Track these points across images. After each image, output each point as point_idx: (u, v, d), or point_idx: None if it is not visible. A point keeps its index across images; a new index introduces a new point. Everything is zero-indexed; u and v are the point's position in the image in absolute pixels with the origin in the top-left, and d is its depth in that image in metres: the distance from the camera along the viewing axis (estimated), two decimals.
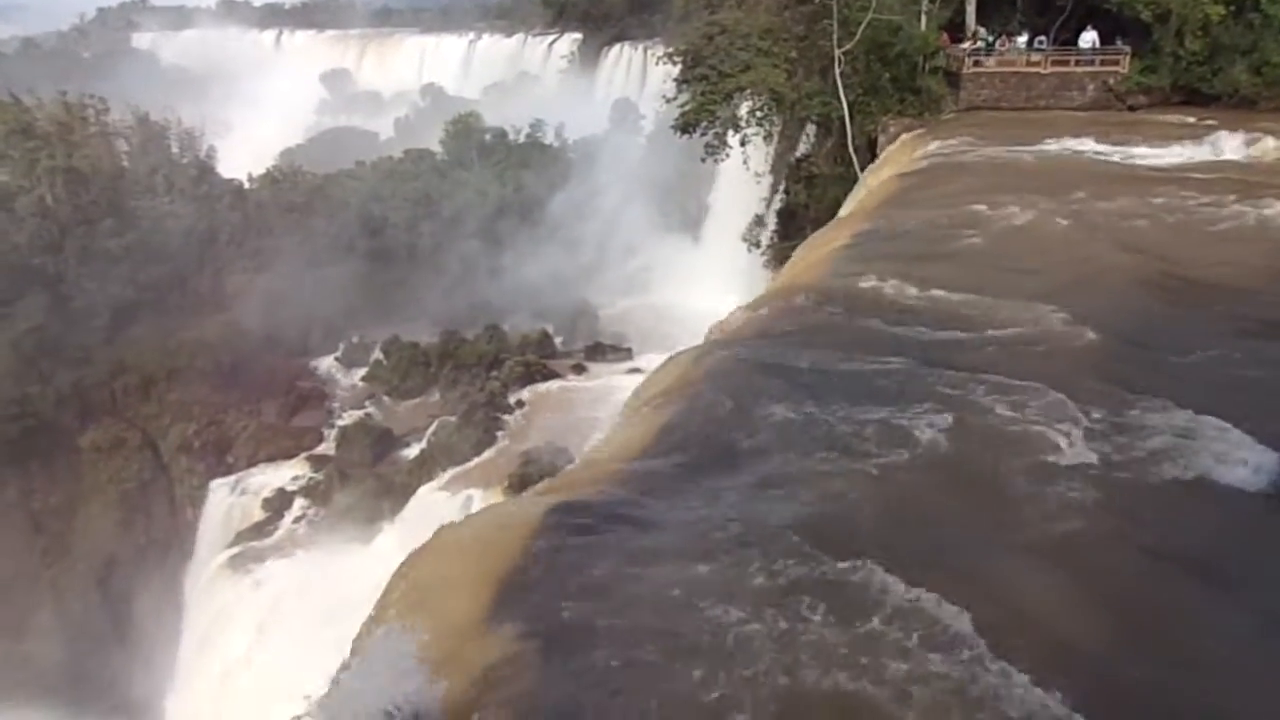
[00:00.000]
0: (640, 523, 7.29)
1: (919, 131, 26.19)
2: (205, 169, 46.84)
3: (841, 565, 6.19)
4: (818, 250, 16.57)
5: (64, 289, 39.35)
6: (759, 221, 36.86)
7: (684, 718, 5.01)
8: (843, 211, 22.98)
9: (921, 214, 16.76)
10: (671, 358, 12.02)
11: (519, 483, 24.43)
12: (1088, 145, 21.57)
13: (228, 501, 34.20)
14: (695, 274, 44.02)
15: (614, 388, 32.10)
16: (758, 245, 36.43)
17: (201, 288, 42.81)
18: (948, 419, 8.49)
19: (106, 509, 36.74)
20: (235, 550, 31.69)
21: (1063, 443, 8.04)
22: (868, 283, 12.80)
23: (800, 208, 33.78)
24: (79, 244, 40.42)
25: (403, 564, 7.22)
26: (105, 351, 38.72)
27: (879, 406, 8.81)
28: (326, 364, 41.93)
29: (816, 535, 6.72)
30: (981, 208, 16.34)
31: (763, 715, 5.00)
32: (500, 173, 50.45)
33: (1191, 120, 23.87)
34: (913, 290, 12.41)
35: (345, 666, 6.28)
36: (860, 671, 5.30)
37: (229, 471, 35.89)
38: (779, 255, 30.70)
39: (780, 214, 35.82)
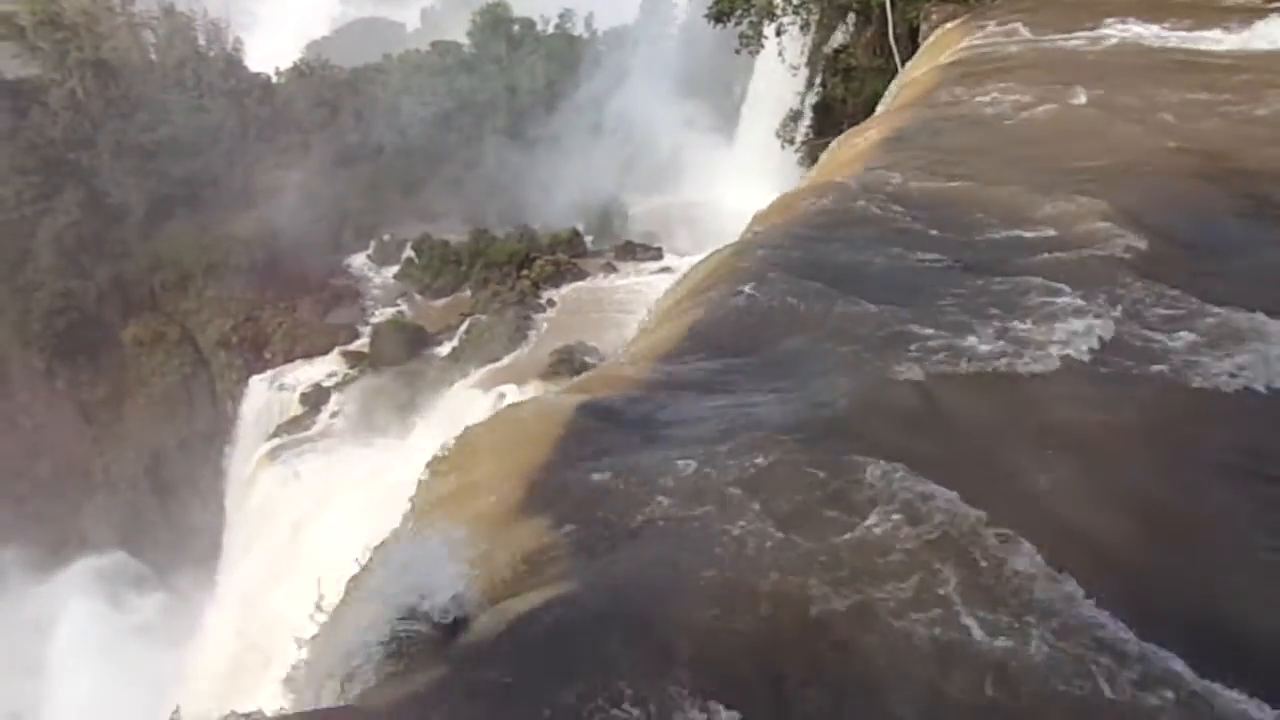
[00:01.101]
0: (669, 421, 7.32)
1: (964, 18, 24.90)
2: (233, 62, 46.21)
3: (869, 465, 6.17)
4: (855, 145, 16.06)
5: (99, 184, 39.60)
6: (794, 117, 35.83)
7: (710, 610, 5.12)
8: (881, 105, 22.17)
9: (965, 107, 16.11)
10: (703, 257, 11.86)
11: (550, 380, 24.66)
12: (1147, 30, 20.36)
13: (266, 396, 35.05)
14: (727, 171, 43.16)
15: (644, 287, 32.00)
16: (792, 142, 35.52)
17: (233, 184, 42.85)
18: (983, 319, 8.33)
19: (151, 402, 37.89)
20: (275, 443, 32.64)
21: (1100, 343, 7.86)
22: (906, 179, 12.41)
23: (837, 102, 32.73)
24: (112, 139, 40.44)
25: (437, 458, 7.35)
26: (143, 247, 39.20)
27: (913, 306, 8.65)
28: (359, 261, 42.15)
29: (846, 435, 6.71)
30: (1029, 99, 15.64)
31: (779, 608, 5.09)
32: (529, 66, 49.23)
33: (1259, 1, 22.40)
34: (953, 186, 12.02)
35: (380, 554, 6.46)
36: (875, 570, 5.35)
37: (266, 367, 36.64)
38: (814, 152, 29.89)
39: (816, 109, 34.77)
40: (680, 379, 8.10)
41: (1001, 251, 10.11)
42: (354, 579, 6.40)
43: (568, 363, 27.60)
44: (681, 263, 26.60)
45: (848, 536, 5.58)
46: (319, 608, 6.35)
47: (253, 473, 32.47)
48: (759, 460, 6.44)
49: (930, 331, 8.19)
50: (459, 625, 5.50)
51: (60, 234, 37.62)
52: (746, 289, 9.46)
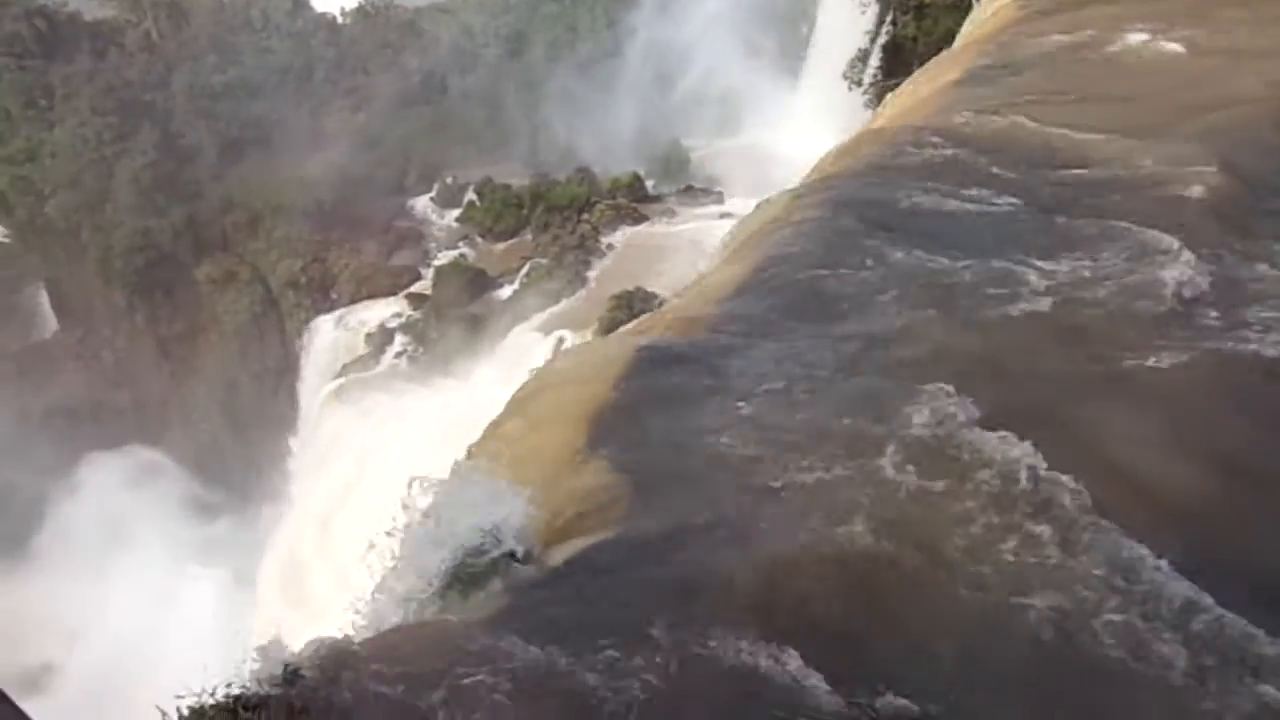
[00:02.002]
0: (728, 365, 7.33)
1: None
2: (298, 2, 46.44)
3: (933, 414, 6.11)
4: (926, 86, 15.55)
5: (173, 125, 40.44)
6: (862, 57, 34.72)
7: (771, 554, 5.17)
8: (956, 43, 21.34)
9: (1044, 45, 15.42)
10: (766, 200, 11.71)
11: (609, 324, 24.75)
12: None
13: (332, 335, 35.86)
14: (792, 114, 42.16)
15: (704, 231, 31.69)
16: (859, 84, 34.47)
17: (300, 125, 43.33)
18: (1055, 266, 8.10)
19: (224, 338, 39.12)
20: (341, 381, 33.48)
21: (1178, 291, 7.59)
22: (978, 120, 12.01)
23: (908, 41, 31.61)
24: (185, 81, 41.16)
25: (508, 401, 7.49)
26: (214, 187, 40.07)
27: (983, 251, 8.44)
28: (422, 204, 42.46)
29: (908, 381, 6.63)
30: (1113, 37, 14.91)
31: (841, 554, 5.11)
32: (590, 6, 48.46)
33: None
34: (1028, 128, 11.60)
35: (445, 491, 6.64)
36: (937, 519, 5.33)
37: (333, 307, 37.42)
38: (882, 94, 28.97)
39: (886, 49, 33.60)
40: (740, 322, 8.08)
41: (1078, 195, 9.77)
42: (420, 512, 6.62)
43: (626, 307, 27.61)
44: (742, 207, 26.24)
45: (909, 484, 5.56)
46: (386, 536, 6.58)
47: (320, 409, 33.48)
48: (819, 405, 6.44)
49: (1000, 277, 8.01)
50: (520, 558, 5.67)
51: (137, 174, 38.69)
52: (809, 233, 9.34)
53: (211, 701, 4.01)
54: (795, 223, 9.68)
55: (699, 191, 40.03)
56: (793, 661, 4.41)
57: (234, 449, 38.66)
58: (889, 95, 17.39)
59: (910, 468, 5.64)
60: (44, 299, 44.51)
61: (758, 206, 11.62)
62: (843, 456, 5.83)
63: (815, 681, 4.32)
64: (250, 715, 3.97)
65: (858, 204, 9.90)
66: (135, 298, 39.64)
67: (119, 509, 34.09)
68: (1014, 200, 9.72)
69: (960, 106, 12.90)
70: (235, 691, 4.06)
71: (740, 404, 6.50)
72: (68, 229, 39.53)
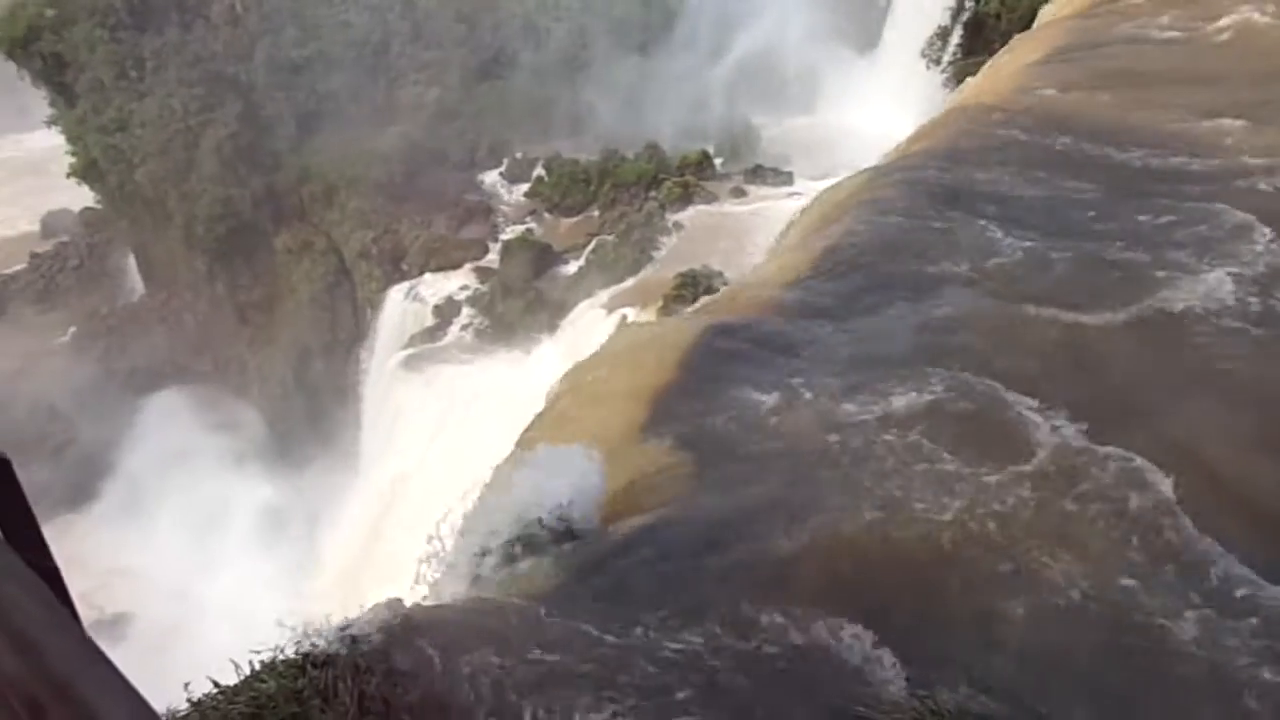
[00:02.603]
0: (793, 347, 7.24)
1: None
2: None
3: (1008, 407, 5.95)
4: (1008, 64, 15.04)
5: (255, 97, 41.43)
6: (942, 35, 33.74)
7: (832, 540, 5.11)
8: (1040, 20, 20.58)
9: (1134, 23, 14.76)
10: (838, 181, 11.50)
11: (673, 304, 24.69)
12: None
13: (402, 306, 36.52)
14: (867, 93, 41.27)
15: (772, 211, 31.31)
16: (938, 62, 33.54)
17: (375, 99, 44.00)
18: (1140, 255, 7.79)
19: (299, 306, 40.17)
20: (409, 351, 34.13)
21: (1265, 283, 7.23)
22: (1064, 100, 11.57)
23: (991, 18, 30.60)
24: (266, 53, 42.09)
25: (566, 374, 7.53)
26: (293, 159, 41.00)
27: (1066, 239, 8.15)
28: (491, 178, 42.82)
29: (980, 370, 6.46)
30: (1208, 14, 14.20)
31: (902, 541, 5.02)
32: None
33: None
34: (1114, 110, 11.14)
35: (509, 464, 6.73)
36: (1005, 511, 5.19)
37: (403, 278, 38.07)
38: (962, 73, 28.12)
39: (968, 25, 32.60)
40: (808, 304, 7.96)
41: (1166, 180, 9.37)
42: (481, 484, 6.71)
43: (691, 286, 27.48)
44: (813, 187, 25.82)
45: (982, 477, 5.43)
46: (447, 505, 6.70)
47: (388, 378, 34.22)
48: (886, 392, 6.31)
49: (1077, 264, 7.73)
50: (581, 534, 5.71)
51: (220, 144, 39.80)
52: (881, 215, 9.14)
53: (282, 657, 4.15)
54: (869, 204, 9.48)
55: (768, 171, 39.52)
56: (860, 645, 4.36)
57: (305, 415, 39.82)
58: (978, 74, 16.85)
59: (985, 461, 5.50)
60: (132, 263, 46.36)
61: (830, 187, 11.42)
62: (912, 446, 5.71)
63: (883, 667, 4.26)
64: (317, 673, 4.09)
65: (935, 186, 9.64)
66: (216, 265, 40.99)
67: (196, 467, 35.49)
68: (1098, 185, 9.36)
69: (1043, 86, 12.44)
70: (304, 649, 4.19)
71: (807, 387, 6.41)
72: (155, 197, 40.96)
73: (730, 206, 37.19)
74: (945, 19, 34.03)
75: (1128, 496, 5.15)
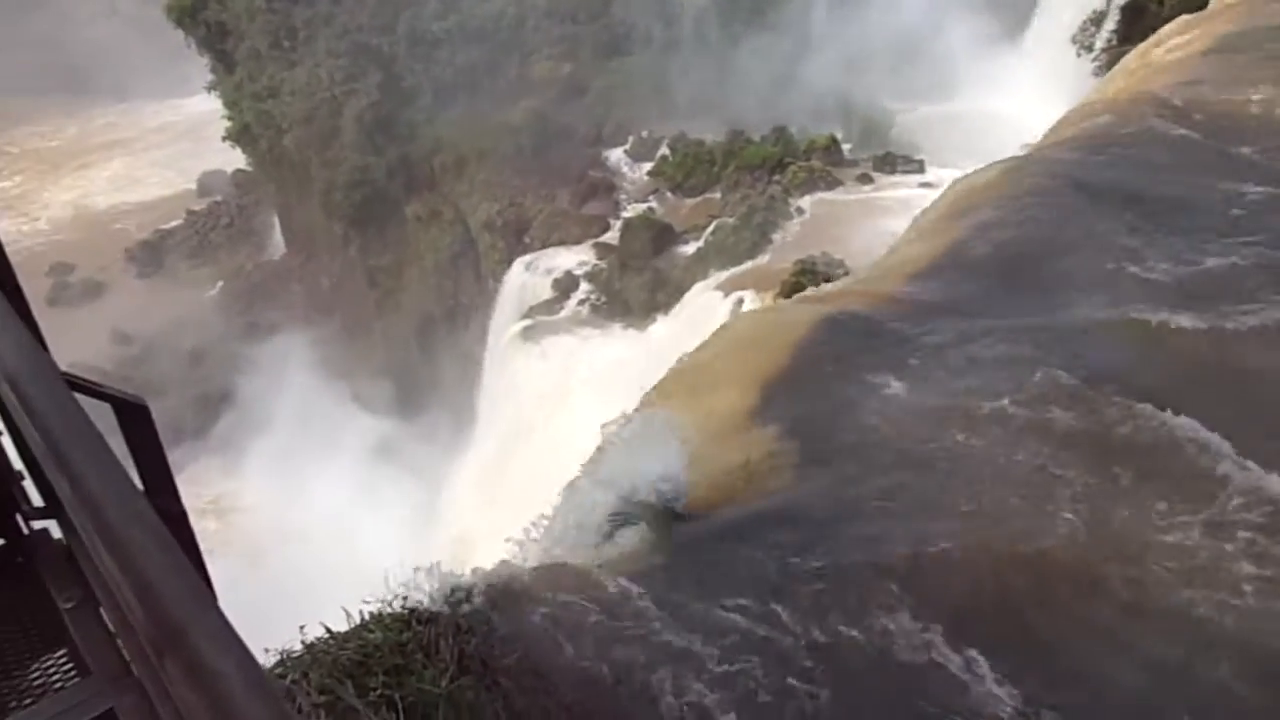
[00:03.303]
0: (916, 343, 7.00)
1: None
2: None
3: (1147, 421, 5.57)
4: (1168, 52, 14.02)
5: (396, 69, 42.98)
6: (1096, 19, 31.81)
7: (944, 538, 4.94)
8: (1210, 6, 19.08)
9: None
10: (972, 172, 11.00)
11: (791, 289, 24.32)
12: None
13: (522, 278, 37.31)
14: (1010, 79, 39.30)
15: (901, 200, 30.39)
16: (1090, 48, 31.65)
17: (509, 73, 44.90)
18: None
19: (425, 273, 41.67)
20: (526, 323, 34.89)
21: None
22: (1228, 94, 10.71)
23: (1151, 3, 28.65)
24: (409, 25, 43.55)
25: (680, 356, 7.53)
26: (427, 129, 42.38)
27: (1222, 244, 7.57)
28: (616, 156, 43.10)
29: (1114, 380, 6.09)
30: None
31: (1018, 553, 4.80)
32: None
33: None
34: None
35: (615, 439, 6.78)
36: (1158, 535, 4.87)
37: (525, 251, 38.88)
38: (1115, 61, 26.44)
39: (1125, 10, 30.64)
40: (932, 298, 7.68)
41: None
42: (589, 456, 6.80)
43: (810, 273, 26.98)
44: (945, 177, 24.87)
45: (1112, 491, 5.13)
46: (555, 475, 6.83)
47: (505, 348, 35.09)
48: (1009, 395, 6.03)
49: (1232, 273, 7.16)
50: (682, 515, 5.72)
51: (361, 114, 41.52)
52: (1018, 209, 8.71)
53: (389, 610, 4.33)
54: (1006, 197, 9.05)
55: (899, 158, 38.28)
56: (960, 656, 4.21)
57: (426, 378, 41.37)
58: (1131, 61, 15.80)
59: (1116, 474, 5.19)
60: (276, 224, 49.13)
61: (964, 177, 10.94)
62: (1029, 455, 5.45)
63: (983, 681, 4.11)
64: (421, 628, 4.25)
65: (1080, 180, 9.10)
66: (351, 230, 42.94)
67: (326, 421, 37.54)
68: (1259, 187, 8.64)
69: (1208, 78, 11.54)
70: (411, 604, 4.36)
71: (925, 385, 6.20)
72: (300, 162, 43.18)
73: (856, 194, 36.28)
74: (1101, 3, 32.06)
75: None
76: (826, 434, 5.99)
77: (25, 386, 1.34)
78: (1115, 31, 30.76)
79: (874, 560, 4.82)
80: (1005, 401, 5.85)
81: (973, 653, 4.18)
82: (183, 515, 1.81)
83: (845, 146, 39.99)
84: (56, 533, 2.45)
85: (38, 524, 2.47)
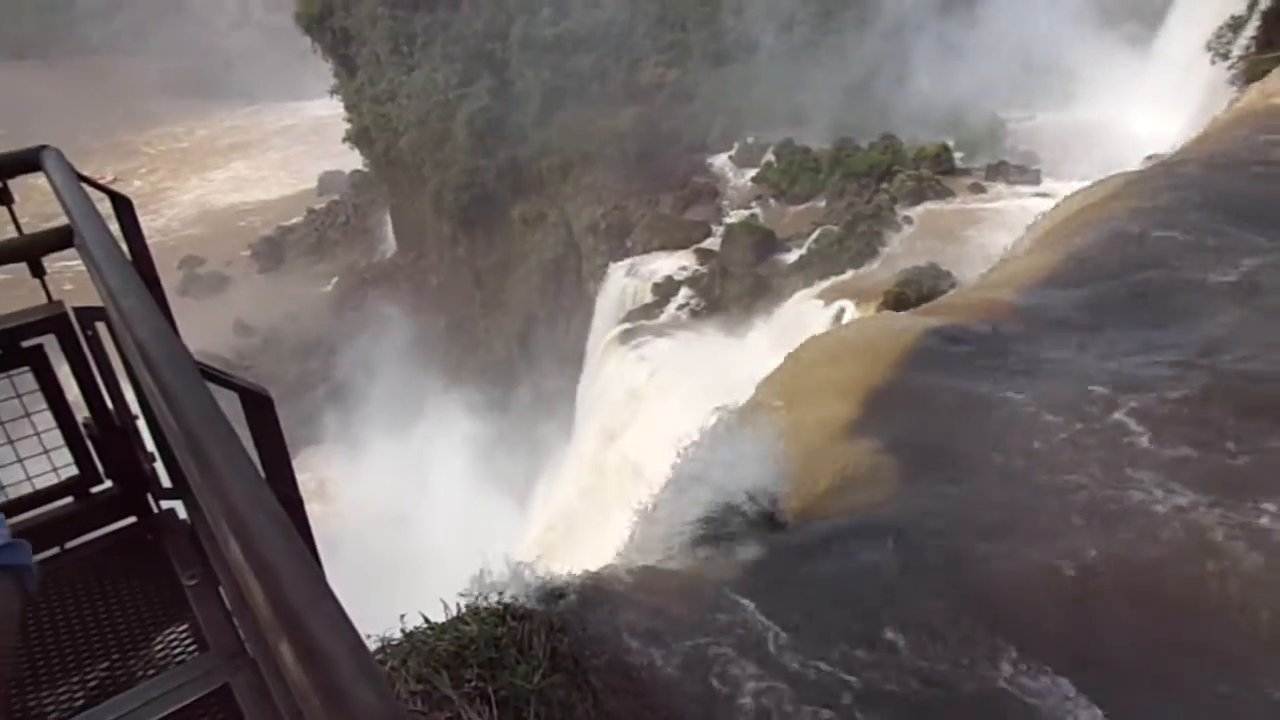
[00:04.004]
0: (1024, 360, 6.75)
1: None
2: None
3: (1255, 441, 5.23)
4: None
5: (508, 74, 44.07)
6: (1235, 25, 29.88)
7: (1039, 563, 4.75)
8: None
9: None
10: (1091, 183, 10.54)
11: (894, 301, 23.78)
12: None
13: (623, 282, 37.62)
14: (1136, 88, 37.36)
15: (1014, 212, 29.29)
16: (1225, 56, 29.77)
17: (618, 78, 45.43)
18: None
19: (529, 274, 42.54)
20: (626, 326, 35.15)
21: None
22: None
23: None
24: (521, 31, 44.59)
25: (780, 364, 7.46)
26: (536, 134, 43.29)
27: None
28: (720, 161, 43.06)
29: (1235, 404, 5.73)
30: None
31: (1128, 584, 4.57)
32: None
33: None
34: None
35: (712, 445, 6.77)
36: (1253, 565, 4.57)
37: (626, 255, 39.22)
38: (1254, 69, 24.82)
39: (1268, 15, 28.68)
40: (1043, 312, 7.39)
41: None
42: (685, 460, 6.80)
43: (914, 285, 26.29)
44: (1062, 188, 23.85)
45: (1215, 520, 4.83)
46: (650, 479, 6.85)
47: (603, 351, 35.44)
48: (1123, 417, 5.75)
49: None
50: (776, 524, 5.66)
51: (473, 117, 42.71)
52: (1141, 223, 8.29)
53: (485, 604, 4.43)
54: (1129, 210, 8.63)
55: (1013, 168, 36.92)
56: (1054, 687, 4.04)
57: (526, 378, 42.21)
58: (1274, 73, 14.85)
59: (1229, 506, 4.88)
60: (389, 224, 51.08)
61: (1085, 188, 10.50)
62: (1143, 478, 5.18)
63: (1078, 716, 3.93)
64: (516, 624, 4.33)
65: (1209, 195, 8.61)
66: (459, 230, 44.26)
67: (429, 414, 38.84)
68: None
69: None
70: (506, 600, 4.45)
71: (1030, 403, 5.97)
72: (413, 163, 44.76)
73: (966, 204, 35.21)
74: (1241, 8, 30.10)
75: None
76: (926, 449, 5.83)
77: (163, 375, 1.43)
78: (1255, 37, 28.85)
79: (977, 584, 4.66)
80: (1111, 424, 5.58)
81: (1064, 684, 4.01)
82: (300, 502, 1.91)
83: (957, 155, 38.84)
84: (182, 513, 2.61)
85: (165, 504, 2.64)
